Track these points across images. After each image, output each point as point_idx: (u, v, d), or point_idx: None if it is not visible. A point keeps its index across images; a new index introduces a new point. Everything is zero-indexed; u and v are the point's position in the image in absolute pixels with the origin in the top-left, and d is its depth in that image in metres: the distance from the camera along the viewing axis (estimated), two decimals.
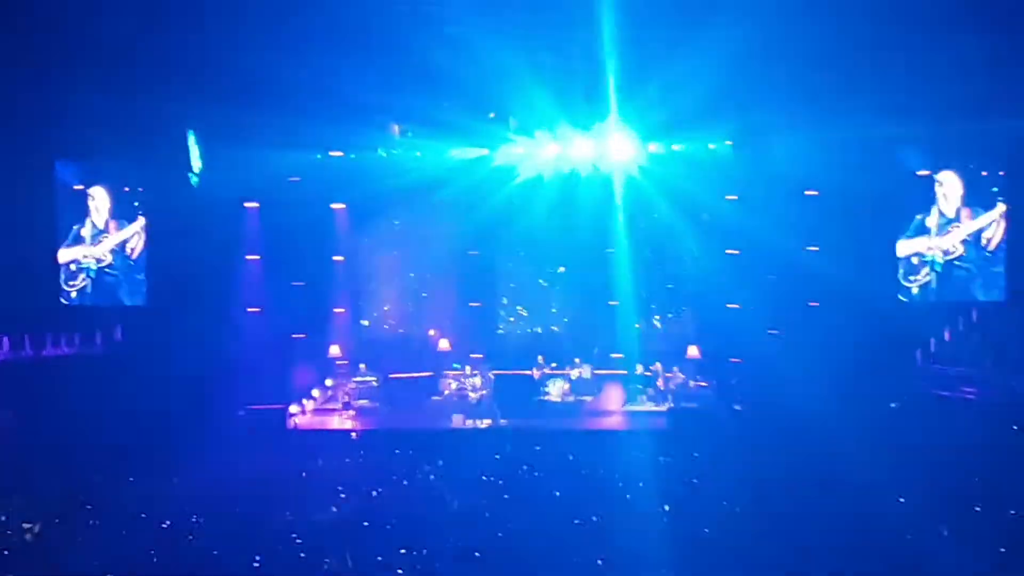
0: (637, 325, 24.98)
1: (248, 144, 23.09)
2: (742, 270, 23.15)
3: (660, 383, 23.30)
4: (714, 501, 14.95)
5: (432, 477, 16.74)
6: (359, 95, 22.55)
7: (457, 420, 21.84)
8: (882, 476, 15.46)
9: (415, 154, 24.27)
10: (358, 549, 13.02)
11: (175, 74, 21.78)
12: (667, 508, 14.70)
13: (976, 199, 22.22)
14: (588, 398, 23.38)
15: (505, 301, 25.62)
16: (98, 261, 24.40)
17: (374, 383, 24.28)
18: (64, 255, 24.45)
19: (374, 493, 15.72)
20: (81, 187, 24.52)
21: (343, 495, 15.59)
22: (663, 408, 22.29)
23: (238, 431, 19.83)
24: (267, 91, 22.25)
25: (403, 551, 12.93)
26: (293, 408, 22.32)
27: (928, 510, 14.10)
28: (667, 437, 19.99)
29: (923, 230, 22.45)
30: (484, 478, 16.43)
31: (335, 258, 25.01)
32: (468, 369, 24.06)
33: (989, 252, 22.04)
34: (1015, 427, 18.60)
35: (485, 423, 21.71)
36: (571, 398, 23.46)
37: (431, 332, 25.15)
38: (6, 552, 13.15)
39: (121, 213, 24.43)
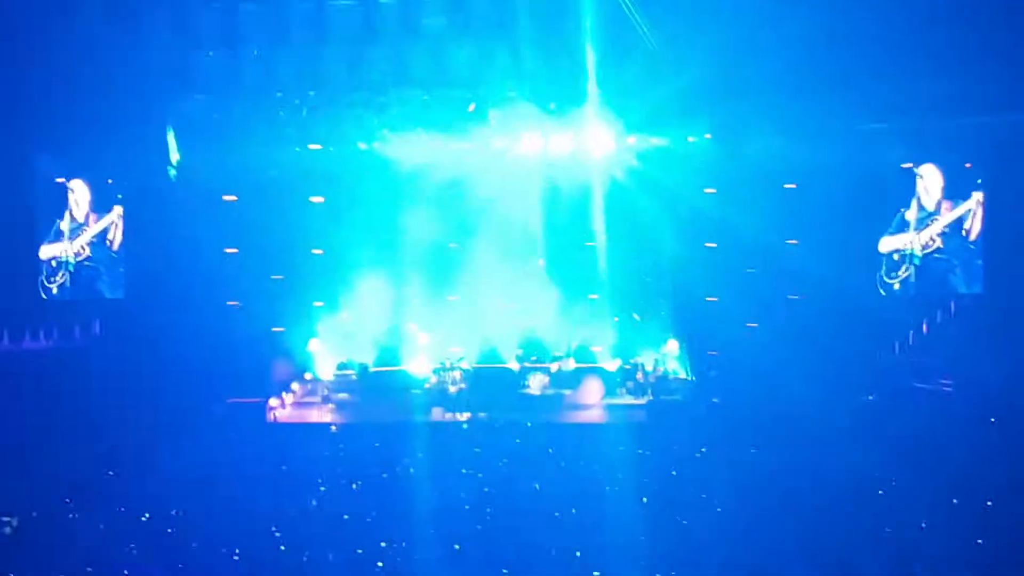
0: (616, 319, 25.03)
1: (227, 137, 23.06)
2: (721, 263, 23.21)
3: (639, 376, 23.33)
4: (693, 493, 15.00)
5: (411, 470, 16.74)
6: (338, 88, 22.56)
7: (437, 413, 21.83)
8: (860, 468, 15.54)
9: (394, 147, 24.22)
10: (338, 542, 13.03)
11: (154, 67, 21.75)
12: (645, 500, 14.73)
13: (957, 192, 22.29)
14: (568, 391, 23.37)
15: (485, 294, 25.57)
16: (76, 255, 24.29)
17: (353, 376, 24.26)
18: (45, 251, 24.33)
19: (354, 486, 15.72)
20: (62, 180, 24.41)
21: (323, 488, 15.58)
22: (642, 401, 22.32)
23: (217, 424, 19.78)
24: (246, 85, 22.23)
25: (383, 543, 12.94)
26: (273, 401, 22.28)
27: (906, 501, 14.19)
28: (646, 430, 20.01)
29: (904, 224, 22.52)
30: (464, 471, 16.44)
31: (314, 251, 24.95)
32: (448, 362, 24.04)
33: (971, 243, 22.11)
34: (992, 419, 18.69)
35: (465, 416, 21.70)
36: (551, 391, 23.45)
37: (411, 325, 25.12)
38: None
39: (101, 206, 24.32)
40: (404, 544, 12.97)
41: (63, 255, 24.33)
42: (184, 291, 23.05)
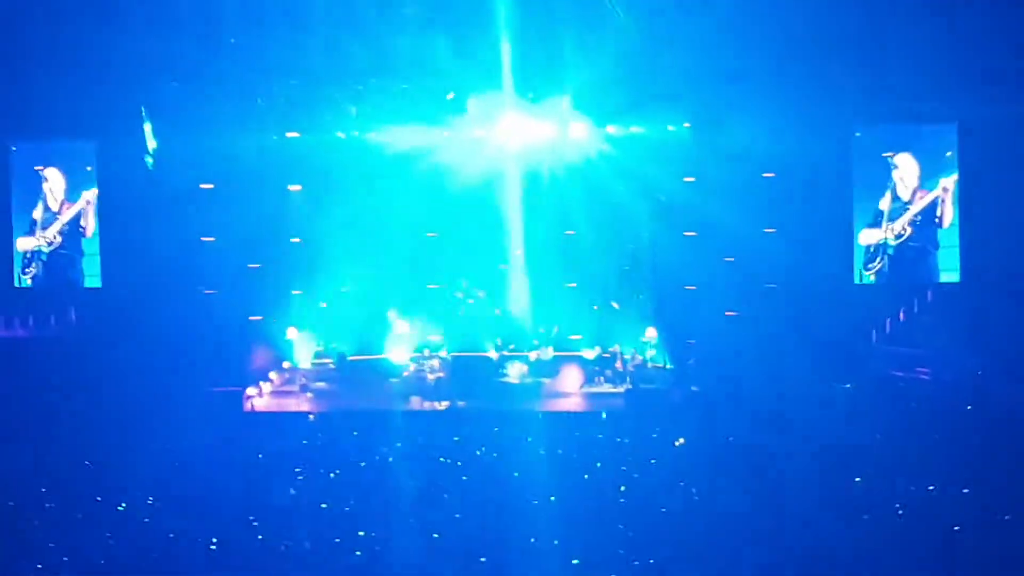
0: (595, 307, 25.07)
1: (204, 125, 22.96)
2: (700, 252, 23.25)
3: (618, 364, 23.36)
4: (671, 481, 15.01)
5: (390, 459, 16.71)
6: (316, 76, 22.48)
7: (415, 402, 21.81)
8: (837, 455, 15.58)
9: (372, 136, 24.18)
10: (316, 531, 13.00)
11: (130, 55, 21.62)
12: (623, 488, 14.74)
13: (933, 181, 22.37)
14: (547, 380, 23.38)
15: (464, 283, 25.56)
16: (49, 244, 24.13)
17: (331, 365, 24.23)
18: (21, 242, 24.18)
19: (332, 475, 15.68)
20: (39, 169, 24.26)
21: (301, 477, 15.54)
22: (621, 389, 22.34)
23: (194, 413, 19.69)
24: (223, 73, 22.13)
25: (361, 533, 12.92)
26: (250, 390, 22.21)
27: (883, 489, 14.23)
28: (625, 418, 20.04)
29: (879, 214, 22.59)
30: (442, 460, 16.42)
31: (292, 240, 24.90)
32: (426, 351, 24.05)
33: (944, 232, 22.19)
34: (968, 407, 18.78)
35: (443, 405, 21.69)
36: (529, 380, 23.46)
37: (389, 314, 25.09)
38: None
39: (75, 195, 24.17)
40: (382, 533, 12.94)
41: (37, 245, 24.15)
42: (161, 280, 22.97)
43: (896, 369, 21.30)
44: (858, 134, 22.71)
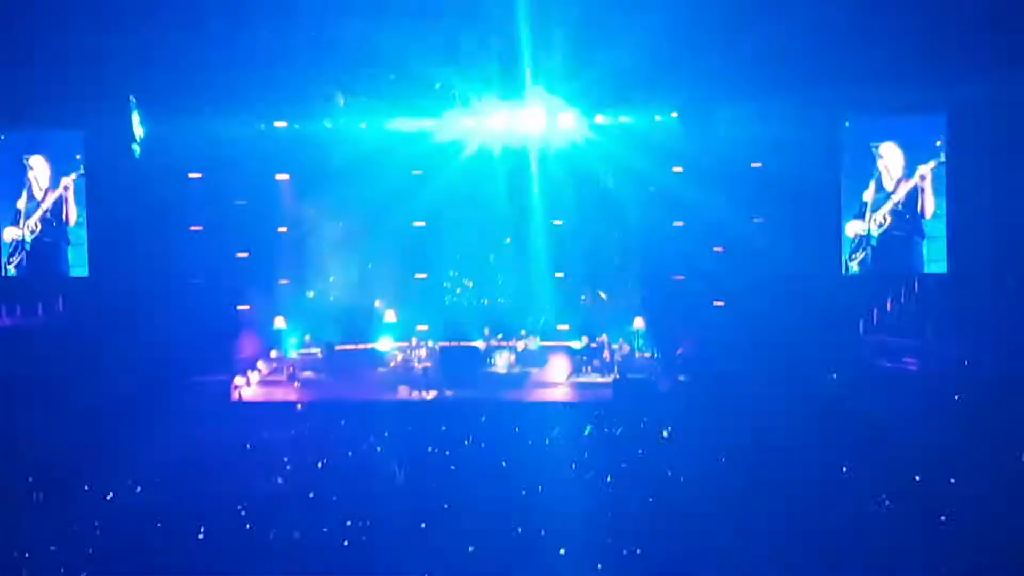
0: (583, 297, 25.10)
1: (191, 114, 22.90)
2: (688, 242, 23.30)
3: (606, 354, 23.37)
4: (658, 470, 15.05)
5: (378, 449, 16.72)
6: (303, 66, 22.44)
7: (403, 392, 21.80)
8: (823, 446, 15.62)
9: (360, 125, 24.16)
10: (303, 520, 13.01)
11: (117, 44, 21.56)
12: (610, 478, 14.77)
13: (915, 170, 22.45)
14: (534, 369, 23.41)
15: (452, 273, 25.58)
16: (32, 232, 24.04)
17: (319, 354, 24.22)
18: (6, 233, 24.09)
19: (319, 465, 15.68)
20: (23, 159, 24.17)
21: (288, 467, 15.54)
22: (609, 379, 22.35)
23: (181, 403, 19.67)
24: (211, 62, 22.08)
25: (348, 523, 12.93)
26: (238, 380, 22.17)
27: (869, 479, 14.27)
28: (613, 408, 20.05)
29: (863, 204, 22.65)
30: (430, 449, 16.44)
31: (279, 229, 24.88)
32: (414, 340, 24.07)
33: (926, 221, 22.24)
34: (956, 396, 18.83)
35: (431, 395, 21.68)
36: (517, 369, 23.47)
37: (377, 303, 25.10)
38: None
39: (59, 183, 24.09)
40: (370, 522, 12.95)
41: (21, 234, 24.07)
42: (149, 269, 22.91)
43: (883, 359, 21.33)
44: (847, 124, 22.75)
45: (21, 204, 24.01)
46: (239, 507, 13.55)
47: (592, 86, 22.57)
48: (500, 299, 25.20)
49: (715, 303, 22.95)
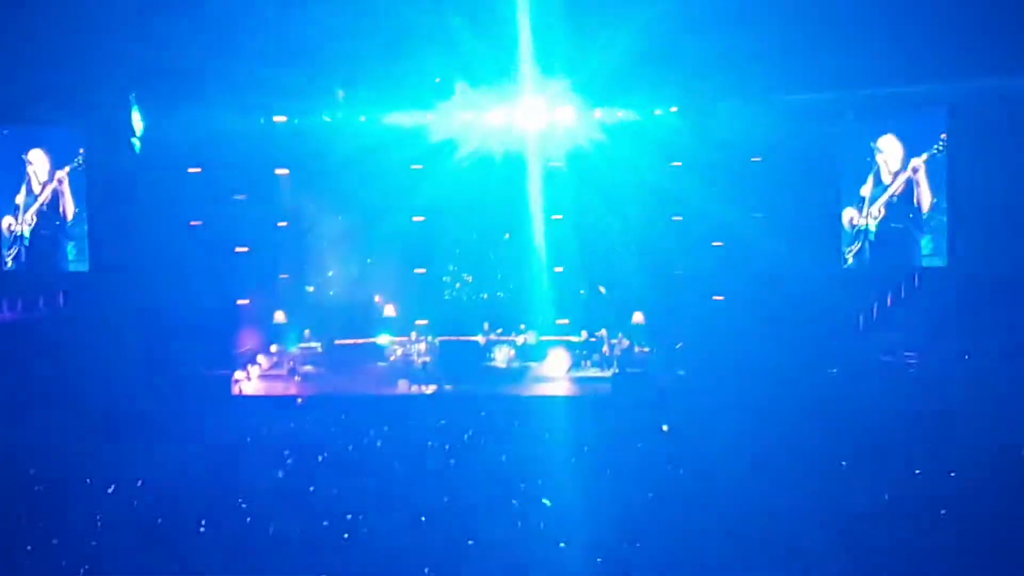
0: (582, 291, 25.12)
1: (191, 109, 22.93)
2: (687, 236, 23.33)
3: (605, 349, 23.40)
4: (657, 465, 15.07)
5: (378, 443, 16.75)
6: (302, 60, 22.45)
7: (403, 386, 21.83)
8: (822, 440, 15.65)
9: (359, 120, 24.19)
10: (303, 514, 13.04)
11: (118, 38, 21.57)
12: (610, 472, 14.80)
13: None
14: (534, 364, 23.43)
15: (451, 267, 25.61)
16: (29, 226, 24.07)
17: (319, 349, 24.25)
18: (4, 226, 24.13)
19: (319, 459, 15.71)
20: (22, 153, 24.21)
21: (288, 461, 15.57)
22: (608, 374, 22.38)
23: (182, 397, 19.70)
24: (211, 56, 22.10)
25: (348, 516, 12.95)
26: (238, 374, 22.21)
27: (868, 473, 14.30)
28: (612, 402, 20.09)
29: (861, 198, 22.67)
30: (429, 444, 16.47)
31: (279, 224, 24.90)
32: (413, 335, 24.10)
33: (923, 214, 22.25)
34: (955, 390, 18.86)
35: (430, 389, 21.71)
36: (516, 364, 23.51)
37: (376, 298, 25.12)
38: None
39: (60, 177, 24.13)
40: (369, 516, 12.97)
41: (18, 228, 24.10)
42: (149, 263, 22.93)
43: (882, 353, 21.35)
44: (847, 118, 22.77)
45: (20, 199, 24.05)
46: (239, 501, 13.57)
47: (592, 80, 22.61)
48: (499, 293, 25.23)
49: (714, 298, 22.96)
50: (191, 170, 23.81)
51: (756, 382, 19.42)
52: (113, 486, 14.19)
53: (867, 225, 22.63)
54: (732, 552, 11.92)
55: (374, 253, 25.16)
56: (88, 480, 14.46)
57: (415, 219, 24.94)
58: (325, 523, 12.79)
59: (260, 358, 23.61)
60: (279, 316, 24.64)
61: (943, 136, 22.09)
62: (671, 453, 15.45)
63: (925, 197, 22.21)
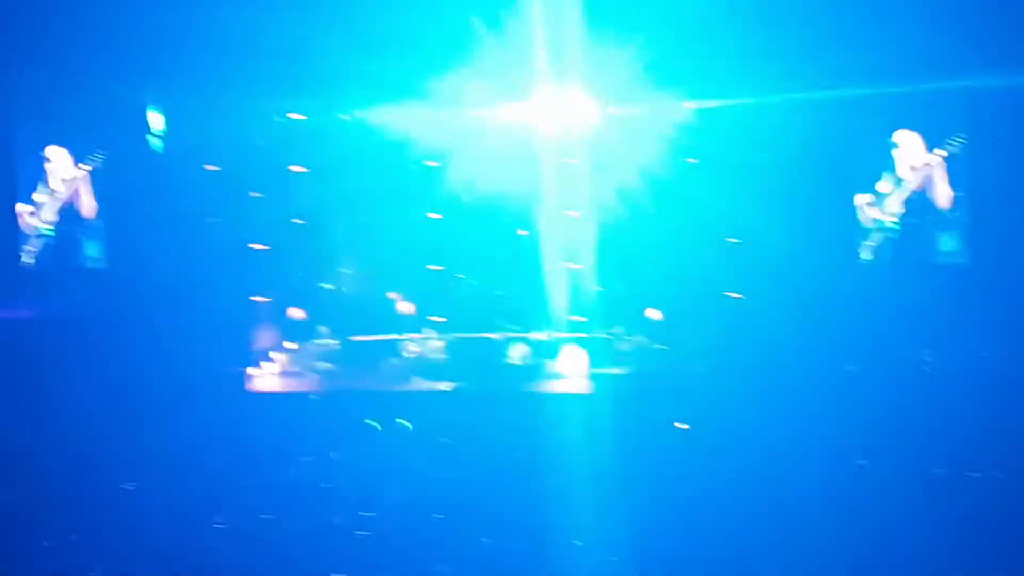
0: (598, 288, 25.01)
1: (209, 107, 22.95)
2: (704, 233, 23.20)
3: (621, 346, 23.31)
4: (674, 463, 15.03)
5: (392, 440, 16.74)
6: (322, 57, 22.44)
7: (417, 383, 21.79)
8: (842, 438, 15.58)
9: (375, 117, 24.18)
10: (317, 511, 13.05)
11: (134, 36, 21.61)
12: (625, 471, 14.77)
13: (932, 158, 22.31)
14: (549, 361, 23.36)
15: (467, 264, 25.52)
16: (49, 223, 24.11)
17: (334, 346, 24.23)
18: (24, 223, 24.17)
19: (333, 455, 15.72)
20: (39, 149, 24.23)
21: (301, 457, 15.58)
22: (624, 371, 22.29)
23: (196, 394, 19.72)
24: (228, 54, 22.12)
25: (363, 513, 12.96)
26: (253, 371, 22.22)
27: (888, 474, 14.23)
28: (628, 400, 20.02)
29: (878, 193, 22.55)
30: (444, 441, 16.45)
31: (295, 221, 24.89)
32: (429, 332, 24.06)
33: (943, 211, 22.11)
34: (975, 388, 18.76)
35: (445, 386, 21.67)
36: (532, 361, 23.44)
37: (392, 295, 25.08)
38: None
39: (74, 174, 24.14)
40: (384, 513, 12.98)
41: (37, 224, 24.14)
42: (165, 261, 22.93)
43: (901, 350, 21.25)
44: (867, 112, 22.63)
45: (39, 195, 24.09)
46: (254, 498, 13.60)
47: (608, 76, 22.52)
48: (515, 290, 25.13)
49: (731, 294, 22.85)
50: (208, 167, 23.81)
51: (773, 379, 19.33)
52: (128, 484, 14.24)
53: (885, 221, 22.50)
54: (749, 552, 11.89)
55: (390, 250, 25.07)
56: (103, 478, 14.50)
57: (431, 216, 24.89)
58: (339, 520, 12.81)
59: (275, 355, 23.61)
60: (295, 313, 24.63)
61: (962, 131, 21.92)
62: (689, 451, 15.42)
63: (944, 193, 22.06)
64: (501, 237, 25.12)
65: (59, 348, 21.17)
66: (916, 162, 22.22)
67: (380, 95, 23.73)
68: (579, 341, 23.67)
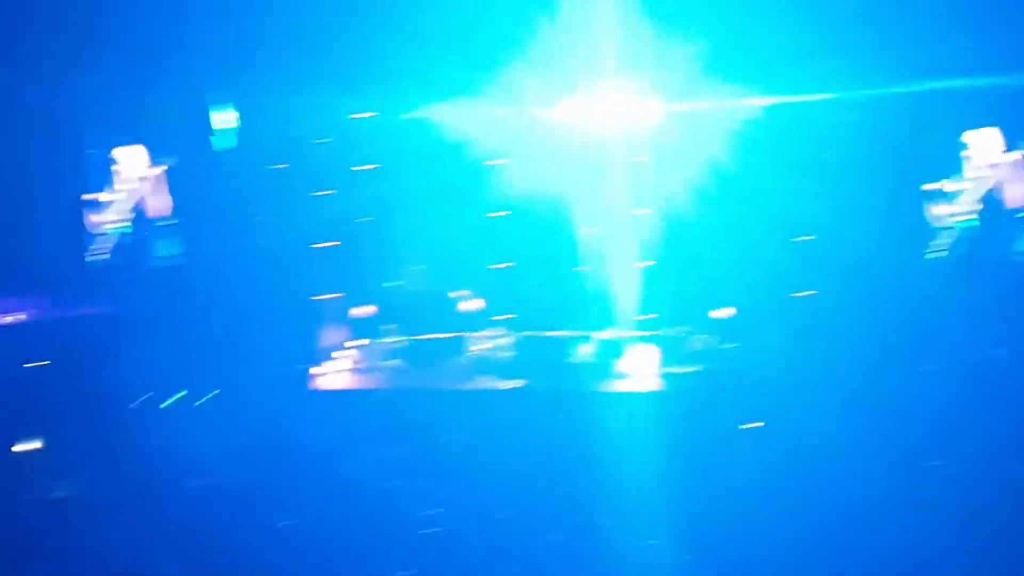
0: (669, 285, 24.83)
1: (276, 107, 23.09)
2: (775, 230, 22.97)
3: (692, 344, 23.13)
4: (745, 464, 14.90)
5: (458, 438, 16.70)
6: (385, 57, 22.50)
7: (485, 381, 21.76)
8: (917, 439, 15.36)
9: (441, 114, 24.18)
10: (384, 510, 13.04)
11: (200, 34, 21.79)
12: (695, 471, 14.65)
13: (1006, 155, 21.97)
14: (618, 360, 23.22)
15: (534, 262, 25.45)
16: (117, 223, 24.34)
17: (400, 343, 24.23)
18: (92, 220, 24.42)
19: (400, 453, 15.72)
20: (107, 148, 24.48)
21: (367, 455, 15.59)
22: (693, 370, 22.12)
23: (263, 392, 19.83)
24: (295, 52, 22.25)
25: (430, 511, 12.93)
26: (319, 368, 22.29)
27: (965, 474, 14.01)
28: (697, 399, 19.88)
29: (953, 191, 22.28)
30: (510, 439, 16.40)
31: (361, 219, 24.94)
32: (496, 330, 24.00)
33: (1017, 209, 21.80)
34: None
35: (513, 384, 21.61)
36: (600, 359, 23.30)
37: (460, 292, 25.07)
38: (36, 513, 13.24)
39: (147, 173, 24.38)
40: (451, 511, 12.95)
41: (106, 224, 24.39)
42: (232, 259, 23.11)
43: (976, 350, 20.94)
44: (940, 108, 22.32)
45: (108, 194, 24.33)
46: (322, 496, 13.63)
47: (677, 72, 22.39)
48: (583, 288, 25.01)
49: (803, 293, 22.61)
50: (275, 166, 23.96)
51: (848, 379, 19.11)
52: (195, 482, 14.30)
53: (960, 218, 22.21)
54: (824, 550, 11.77)
55: (456, 248, 25.06)
56: (169, 476, 14.59)
57: (497, 214, 24.83)
58: (405, 518, 12.78)
59: (341, 353, 23.66)
60: (360, 311, 24.67)
61: None
62: (758, 451, 15.28)
63: (1016, 192, 21.77)
64: (567, 235, 25.05)
65: (127, 345, 21.35)
66: (991, 159, 21.97)
67: (444, 94, 23.75)
68: (647, 339, 23.56)
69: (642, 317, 24.42)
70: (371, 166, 24.76)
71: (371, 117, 24.36)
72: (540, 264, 25.45)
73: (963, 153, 22.13)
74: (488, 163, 24.05)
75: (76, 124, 24.34)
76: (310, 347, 22.92)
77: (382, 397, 20.94)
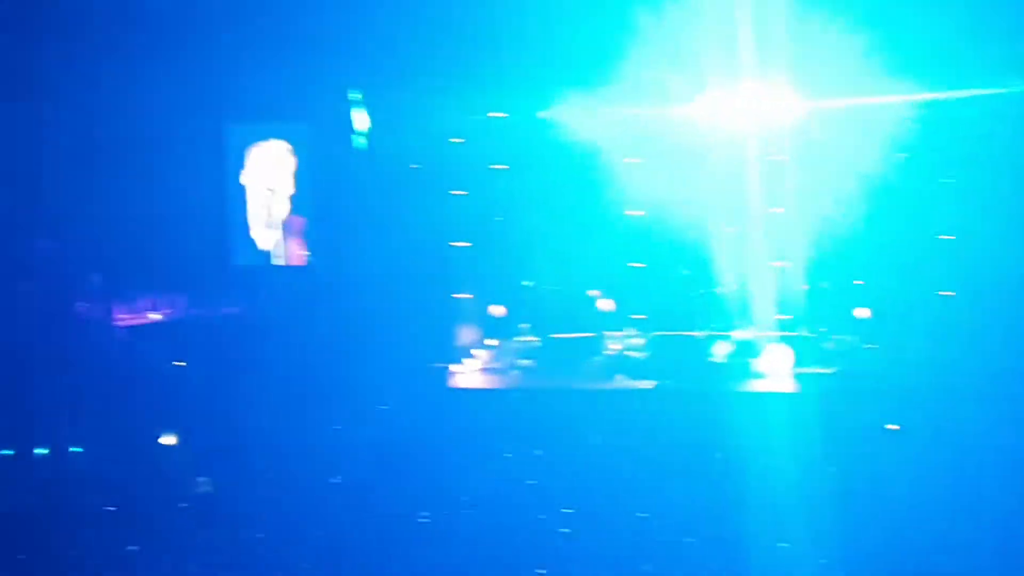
0: (805, 286, 24.54)
1: (411, 106, 23.30)
2: (914, 229, 22.55)
3: (827, 345, 22.84)
4: (883, 467, 14.69)
5: (594, 438, 16.73)
6: (519, 57, 22.59)
7: (619, 380, 21.74)
8: None
9: (575, 115, 24.18)
10: (520, 508, 13.11)
11: (338, 35, 22.08)
12: (833, 470, 14.49)
13: None
14: (754, 360, 23.03)
15: (669, 262, 25.34)
16: (257, 221, 24.75)
17: (535, 343, 24.31)
18: (230, 218, 24.88)
19: (537, 453, 15.79)
20: (246, 150, 24.92)
21: (507, 454, 15.69)
22: (830, 371, 21.84)
23: (400, 390, 20.05)
24: (431, 54, 22.44)
25: (565, 511, 12.98)
26: (456, 367, 22.48)
27: None
28: (835, 400, 19.62)
29: None
30: (646, 439, 16.38)
31: (496, 219, 25.07)
32: (630, 330, 23.95)
33: None
34: None
35: (647, 384, 21.57)
36: (735, 360, 23.15)
37: (594, 292, 25.06)
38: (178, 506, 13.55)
39: (279, 174, 24.76)
40: (587, 512, 12.98)
41: (247, 223, 24.81)
42: (367, 258, 23.37)
43: None
44: None
45: (247, 194, 24.79)
46: (458, 494, 13.74)
47: (814, 69, 22.08)
48: (719, 288, 24.83)
49: (943, 293, 22.16)
50: (410, 166, 24.19)
51: (986, 380, 18.71)
52: (334, 479, 14.53)
53: None
54: (962, 555, 11.58)
55: (591, 247, 25.05)
56: (299, 468, 14.83)
57: (632, 213, 24.77)
58: (542, 517, 12.84)
59: (478, 351, 23.84)
60: (496, 310, 24.81)
61: None
62: (898, 453, 15.05)
63: None
64: (705, 234, 24.89)
65: (264, 344, 21.75)
66: None
67: (579, 92, 23.78)
68: (785, 340, 23.32)
69: (780, 317, 24.25)
70: (506, 165, 24.91)
71: (506, 116, 24.49)
72: (676, 264, 25.36)
73: None
74: (624, 162, 24.04)
75: (215, 122, 24.84)
76: (447, 346, 23.13)
77: (517, 396, 21.06)
